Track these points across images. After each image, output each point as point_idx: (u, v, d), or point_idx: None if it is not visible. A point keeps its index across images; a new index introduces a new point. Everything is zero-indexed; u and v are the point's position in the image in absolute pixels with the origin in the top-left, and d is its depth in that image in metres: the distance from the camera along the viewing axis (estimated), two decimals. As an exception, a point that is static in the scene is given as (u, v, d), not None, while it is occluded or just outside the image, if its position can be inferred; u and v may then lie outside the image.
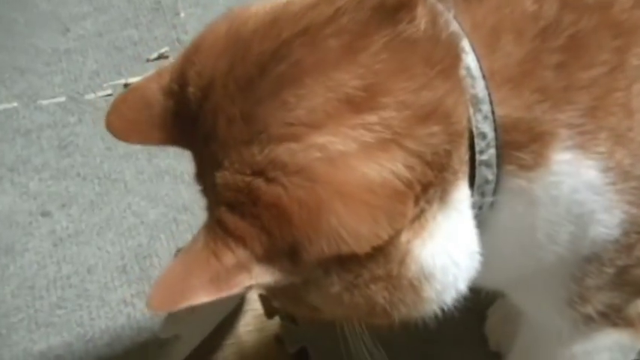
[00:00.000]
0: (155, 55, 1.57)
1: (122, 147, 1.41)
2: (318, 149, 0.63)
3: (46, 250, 1.30)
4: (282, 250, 0.64)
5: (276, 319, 1.17)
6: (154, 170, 1.38)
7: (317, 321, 0.75)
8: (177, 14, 1.64)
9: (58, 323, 1.20)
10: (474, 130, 0.67)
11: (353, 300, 0.67)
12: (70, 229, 1.32)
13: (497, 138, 0.67)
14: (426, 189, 0.65)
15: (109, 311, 1.21)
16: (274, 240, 0.63)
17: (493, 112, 0.67)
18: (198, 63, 0.71)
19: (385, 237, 0.64)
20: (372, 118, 0.63)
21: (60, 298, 1.23)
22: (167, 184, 1.36)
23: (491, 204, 0.70)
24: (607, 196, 0.69)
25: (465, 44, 0.67)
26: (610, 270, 0.74)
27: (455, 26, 0.68)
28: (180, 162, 1.38)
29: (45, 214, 1.34)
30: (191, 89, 0.71)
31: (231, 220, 0.64)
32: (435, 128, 0.64)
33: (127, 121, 0.76)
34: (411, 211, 0.65)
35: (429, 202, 0.66)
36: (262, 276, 0.65)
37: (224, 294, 0.64)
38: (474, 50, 0.67)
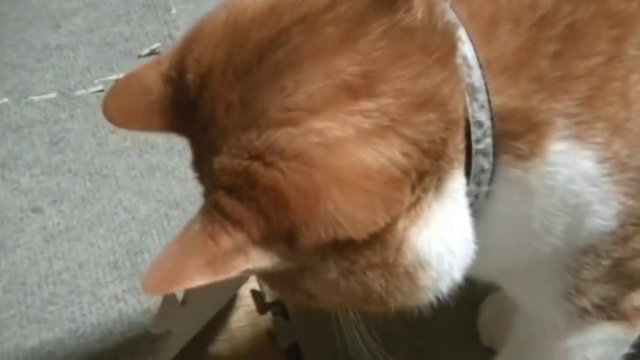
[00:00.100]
0: (147, 51, 1.57)
1: (113, 143, 1.41)
2: (316, 134, 0.63)
3: (37, 246, 1.29)
4: (279, 235, 0.64)
5: (269, 315, 1.17)
6: (146, 166, 1.38)
7: (312, 309, 0.75)
8: (169, 10, 1.64)
9: (49, 319, 1.20)
10: (471, 118, 0.67)
11: (349, 287, 0.67)
12: (61, 225, 1.32)
13: (493, 127, 0.67)
14: (422, 177, 0.65)
15: (100, 307, 1.21)
16: (271, 224, 0.64)
17: (489, 101, 0.67)
18: (197, 50, 0.71)
19: (382, 224, 0.64)
20: (369, 104, 0.64)
21: (51, 294, 1.23)
22: (158, 180, 1.36)
23: (488, 193, 0.70)
24: (604, 187, 0.69)
25: (462, 33, 0.67)
26: (606, 262, 0.74)
27: (451, 15, 0.68)
28: (171, 158, 1.38)
29: (36, 210, 1.34)
30: (190, 76, 0.71)
31: (229, 203, 0.64)
32: (432, 116, 0.65)
33: (125, 107, 0.76)
34: (407, 198, 0.65)
35: (424, 190, 0.66)
36: (259, 260, 0.65)
37: (220, 277, 0.64)
38: (470, 39, 0.67)
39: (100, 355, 1.16)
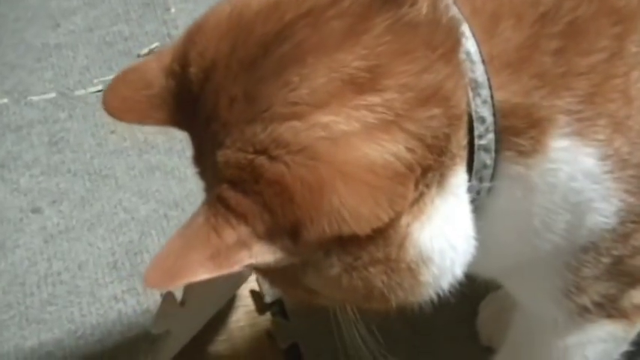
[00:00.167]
0: (146, 50, 1.56)
1: (113, 143, 1.41)
2: (321, 128, 0.63)
3: (36, 246, 1.29)
4: (283, 229, 0.64)
5: (268, 315, 1.17)
6: (145, 166, 1.38)
7: (312, 306, 0.75)
8: (168, 9, 1.64)
9: (48, 320, 1.20)
10: (473, 114, 0.67)
11: (351, 283, 0.67)
12: (60, 225, 1.32)
13: (495, 123, 0.68)
14: (426, 172, 0.65)
15: (99, 307, 1.21)
16: (276, 218, 0.63)
17: (492, 97, 0.67)
18: (201, 44, 0.71)
19: (385, 219, 0.64)
20: (374, 99, 0.64)
21: (51, 295, 1.23)
22: (158, 180, 1.36)
23: (489, 189, 0.70)
24: (605, 184, 0.69)
25: (465, 29, 0.67)
26: (606, 260, 0.74)
27: (455, 11, 0.68)
28: (171, 158, 1.38)
29: (35, 210, 1.34)
30: (193, 70, 0.71)
31: (233, 196, 0.64)
32: (436, 111, 0.65)
33: (125, 100, 0.76)
34: (411, 193, 0.65)
35: (427, 185, 0.66)
36: (262, 254, 0.64)
37: (223, 271, 0.64)
38: (473, 35, 0.67)
39: (99, 356, 1.16)
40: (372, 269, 0.67)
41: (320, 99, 0.64)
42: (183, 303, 1.06)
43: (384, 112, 0.64)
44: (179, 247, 0.64)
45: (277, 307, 1.17)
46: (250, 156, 0.64)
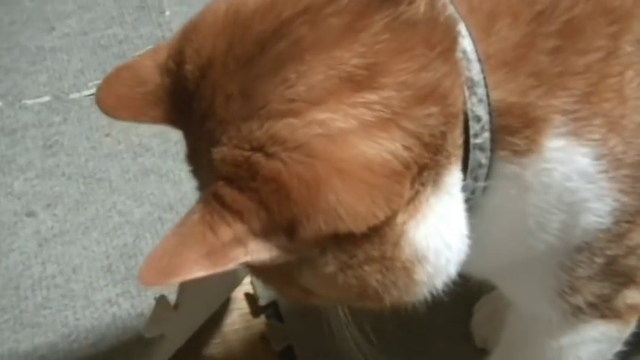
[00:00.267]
0: (141, 53, 1.56)
1: (107, 146, 1.41)
2: (318, 125, 0.63)
3: (31, 250, 1.29)
4: (279, 226, 0.64)
5: (262, 318, 1.17)
6: (139, 169, 1.38)
7: (306, 305, 0.75)
8: (163, 12, 1.63)
9: (43, 323, 1.20)
10: (469, 113, 0.67)
11: (346, 281, 0.67)
12: (55, 228, 1.31)
13: (491, 122, 0.68)
14: (422, 171, 0.65)
15: (94, 311, 1.20)
16: (272, 215, 0.63)
17: (488, 96, 0.67)
18: (197, 41, 0.70)
19: (382, 217, 0.64)
20: (372, 96, 0.64)
21: (45, 299, 1.23)
22: (152, 183, 1.35)
23: (484, 189, 0.70)
24: (599, 184, 0.69)
25: (462, 28, 0.67)
26: (600, 260, 0.74)
27: (451, 10, 0.68)
28: (165, 161, 1.37)
29: (30, 214, 1.34)
30: (188, 67, 0.70)
31: (229, 193, 0.64)
32: (433, 109, 0.65)
33: (119, 97, 0.75)
34: (407, 192, 0.65)
35: (423, 184, 0.66)
36: (258, 252, 0.64)
37: (219, 269, 0.63)
38: (470, 34, 0.67)
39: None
40: (367, 267, 0.67)
41: (317, 96, 0.64)
42: (176, 306, 1.06)
43: (381, 110, 0.64)
44: (174, 245, 0.64)
45: (272, 310, 1.17)
46: (247, 153, 0.64)
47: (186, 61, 0.71)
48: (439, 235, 0.67)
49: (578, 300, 0.77)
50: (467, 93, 0.67)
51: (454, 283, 0.71)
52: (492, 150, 0.68)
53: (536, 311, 0.82)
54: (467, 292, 0.90)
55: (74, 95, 1.50)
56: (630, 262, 0.76)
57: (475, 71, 0.67)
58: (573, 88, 0.67)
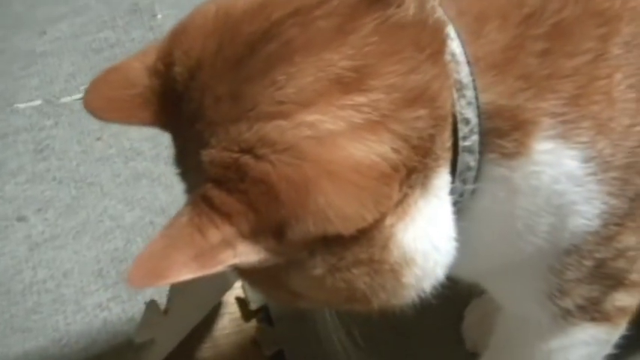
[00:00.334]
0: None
1: (98, 150, 1.41)
2: (307, 127, 0.63)
3: (21, 254, 1.28)
4: (268, 228, 0.63)
5: (253, 322, 1.17)
6: (131, 173, 1.37)
7: (294, 308, 0.75)
8: (155, 16, 1.63)
9: (33, 328, 1.19)
10: (458, 115, 0.67)
11: (334, 284, 0.67)
12: (46, 233, 1.31)
13: (480, 124, 0.67)
14: (410, 174, 0.65)
15: (84, 316, 1.20)
16: (261, 217, 0.63)
17: (477, 98, 0.67)
18: (186, 43, 0.70)
19: (370, 219, 0.64)
20: (361, 99, 0.64)
21: (36, 303, 1.22)
22: (144, 187, 1.35)
23: (473, 191, 0.70)
24: (587, 186, 0.69)
25: (451, 30, 0.67)
26: (589, 263, 0.74)
27: (440, 12, 0.68)
28: (157, 165, 1.37)
29: (21, 218, 1.33)
30: (177, 69, 0.70)
31: (218, 195, 0.64)
32: (422, 112, 0.65)
33: (107, 99, 0.75)
34: (396, 194, 0.65)
35: (411, 187, 0.66)
36: (247, 254, 0.64)
37: (207, 271, 0.63)
38: (458, 36, 0.67)
39: (84, 364, 1.15)
40: (355, 270, 0.66)
41: (306, 98, 0.64)
42: (166, 311, 1.06)
43: (370, 113, 0.64)
44: (162, 247, 0.63)
45: (263, 314, 1.17)
46: (236, 155, 0.64)
47: (175, 62, 0.71)
48: (427, 237, 0.67)
49: (568, 303, 0.77)
50: (456, 95, 0.67)
51: (443, 286, 0.71)
52: (481, 153, 0.68)
53: (526, 314, 0.82)
54: (458, 295, 0.90)
55: (65, 99, 1.50)
56: (619, 265, 0.75)
57: (464, 74, 0.67)
58: (562, 91, 0.67)
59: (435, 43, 0.66)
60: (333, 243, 0.65)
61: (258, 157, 0.63)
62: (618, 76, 0.68)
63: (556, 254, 0.73)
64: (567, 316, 0.79)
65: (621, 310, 0.81)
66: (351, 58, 0.64)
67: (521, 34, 0.67)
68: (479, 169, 0.69)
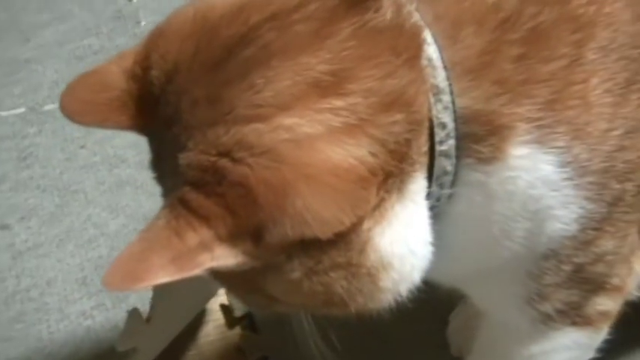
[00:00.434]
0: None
1: (82, 158, 1.40)
2: (285, 130, 0.63)
3: (4, 263, 1.28)
4: (245, 232, 0.63)
5: (238, 330, 1.16)
6: (115, 181, 1.37)
7: (271, 312, 0.74)
8: (139, 23, 1.63)
9: (16, 337, 1.19)
10: (434, 120, 0.67)
11: (312, 288, 0.67)
12: (29, 241, 1.30)
13: (456, 129, 0.67)
14: (387, 178, 0.65)
15: (68, 324, 1.20)
16: (238, 220, 0.63)
17: (453, 103, 0.67)
18: (163, 46, 0.70)
19: (348, 223, 0.64)
20: (338, 102, 0.64)
21: (19, 312, 1.22)
22: (128, 195, 1.35)
23: (450, 196, 0.70)
24: (564, 191, 0.69)
25: (427, 35, 0.68)
26: (567, 267, 0.74)
27: (417, 17, 0.68)
28: (141, 172, 1.36)
29: (4, 226, 1.33)
30: (154, 72, 0.70)
31: (195, 198, 0.63)
32: (398, 116, 0.65)
33: (84, 102, 0.74)
34: (373, 198, 0.65)
35: (388, 191, 0.66)
36: (224, 257, 0.64)
37: (184, 274, 0.63)
38: (435, 41, 0.67)
39: (67, 373, 1.15)
40: (332, 274, 0.66)
41: (284, 101, 0.64)
42: (149, 319, 1.05)
43: (347, 116, 0.64)
44: (140, 250, 0.63)
45: (247, 321, 1.17)
46: (213, 158, 0.64)
47: (152, 66, 0.70)
48: (404, 241, 0.68)
49: (547, 307, 0.77)
50: (432, 100, 0.67)
51: (420, 290, 0.71)
52: (458, 157, 0.68)
53: (505, 319, 0.82)
54: (443, 300, 0.90)
55: (49, 107, 1.49)
56: (598, 269, 0.75)
57: (440, 78, 0.67)
58: (537, 96, 0.67)
59: (411, 47, 0.67)
60: (310, 246, 0.65)
61: (235, 161, 0.63)
62: (594, 80, 0.68)
63: (533, 259, 0.73)
64: (548, 321, 0.79)
65: (603, 315, 0.81)
66: (328, 62, 0.65)
67: (497, 38, 0.67)
68: (455, 173, 0.69)
